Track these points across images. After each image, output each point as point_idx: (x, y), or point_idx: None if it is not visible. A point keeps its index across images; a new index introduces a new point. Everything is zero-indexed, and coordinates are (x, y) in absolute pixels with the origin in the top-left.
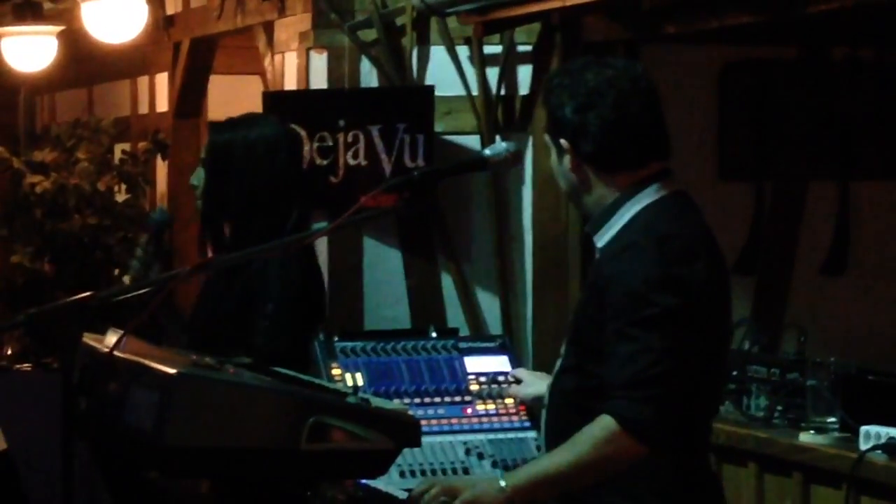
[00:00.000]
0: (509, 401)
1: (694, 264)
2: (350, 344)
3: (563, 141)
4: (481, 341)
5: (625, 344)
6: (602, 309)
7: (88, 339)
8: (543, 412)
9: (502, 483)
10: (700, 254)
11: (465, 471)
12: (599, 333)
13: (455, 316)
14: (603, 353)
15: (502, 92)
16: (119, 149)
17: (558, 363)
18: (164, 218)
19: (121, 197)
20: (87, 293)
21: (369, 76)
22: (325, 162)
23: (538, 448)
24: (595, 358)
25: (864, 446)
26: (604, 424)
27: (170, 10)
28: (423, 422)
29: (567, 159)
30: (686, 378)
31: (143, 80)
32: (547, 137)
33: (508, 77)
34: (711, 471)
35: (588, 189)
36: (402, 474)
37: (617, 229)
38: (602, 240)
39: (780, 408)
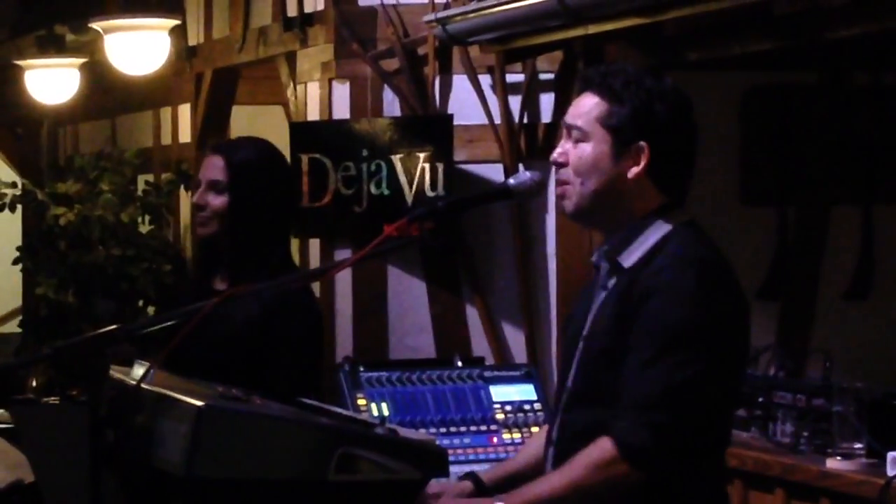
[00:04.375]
0: (535, 429)
1: (732, 291)
2: (375, 374)
3: (642, 142)
4: (507, 370)
5: (644, 367)
6: (630, 325)
7: (115, 371)
8: (551, 450)
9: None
10: (735, 282)
11: None
12: (623, 350)
13: (480, 345)
14: (619, 369)
15: (525, 120)
16: (142, 180)
17: (566, 394)
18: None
19: (144, 228)
20: (113, 325)
21: (392, 106)
22: (349, 192)
23: None
24: (618, 382)
25: (891, 472)
26: (602, 447)
27: (192, 42)
28: (450, 451)
29: (628, 163)
30: (702, 409)
31: (165, 111)
32: (598, 131)
33: (531, 105)
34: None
35: (630, 201)
36: None
37: (644, 250)
38: (628, 260)
39: (806, 434)
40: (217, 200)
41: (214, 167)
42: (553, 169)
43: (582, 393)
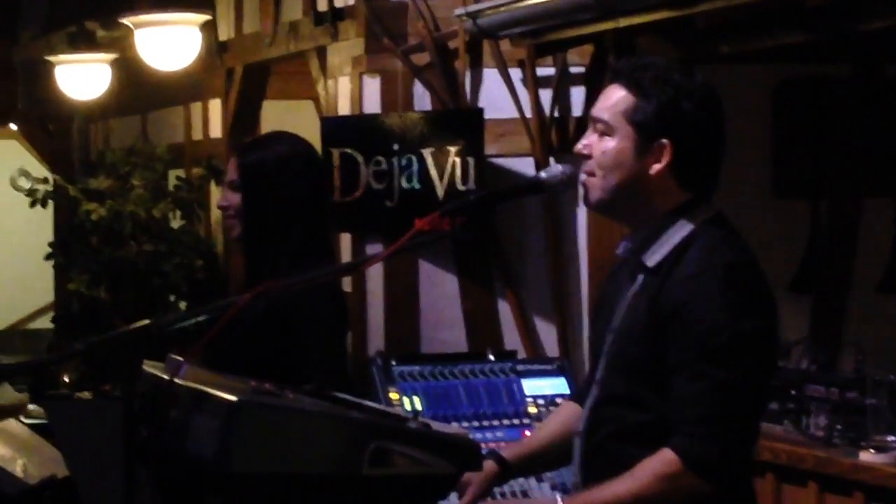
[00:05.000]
0: None
1: (763, 292)
2: (408, 368)
3: (665, 140)
4: (539, 364)
5: (693, 380)
6: (662, 335)
7: (148, 366)
8: (577, 442)
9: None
10: (764, 281)
11: (525, 494)
12: (656, 359)
13: (511, 338)
14: (657, 380)
15: (556, 114)
16: (173, 175)
17: (594, 391)
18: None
19: (176, 223)
20: (146, 321)
21: (423, 100)
22: (380, 186)
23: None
24: (648, 385)
25: None
26: (667, 460)
27: (223, 37)
28: (483, 445)
29: (650, 159)
30: (751, 412)
31: (196, 107)
32: (623, 126)
33: (562, 99)
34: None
35: (653, 198)
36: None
37: (668, 249)
38: (651, 259)
39: (839, 427)
40: (234, 199)
41: (231, 167)
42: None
43: (612, 394)
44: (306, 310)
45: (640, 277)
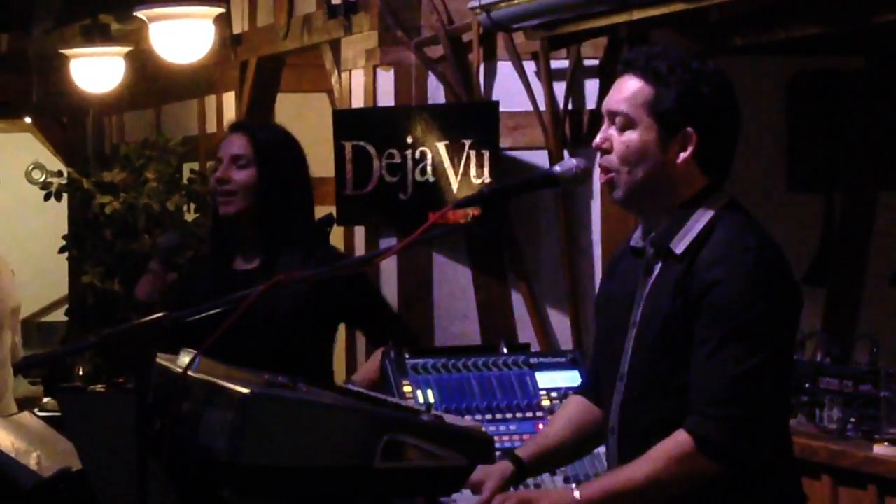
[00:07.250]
0: None
1: (790, 275)
2: (421, 361)
3: (689, 129)
4: (552, 356)
5: (714, 358)
6: (693, 318)
7: (162, 359)
8: (612, 440)
9: (576, 494)
10: (787, 263)
11: (538, 486)
12: (689, 343)
13: (525, 331)
14: (686, 364)
15: (570, 106)
16: (187, 168)
17: (621, 387)
18: (173, 242)
19: (190, 216)
20: (160, 313)
21: (436, 93)
22: (394, 179)
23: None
24: (683, 371)
25: None
26: (679, 441)
27: (237, 30)
28: (496, 438)
29: (675, 148)
30: (771, 395)
31: (210, 100)
32: (645, 118)
33: (576, 92)
34: (801, 489)
35: (677, 188)
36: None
37: (693, 235)
38: (679, 246)
39: (853, 419)
40: (240, 175)
41: (236, 144)
42: (598, 155)
43: (646, 386)
44: (351, 283)
45: (658, 267)
